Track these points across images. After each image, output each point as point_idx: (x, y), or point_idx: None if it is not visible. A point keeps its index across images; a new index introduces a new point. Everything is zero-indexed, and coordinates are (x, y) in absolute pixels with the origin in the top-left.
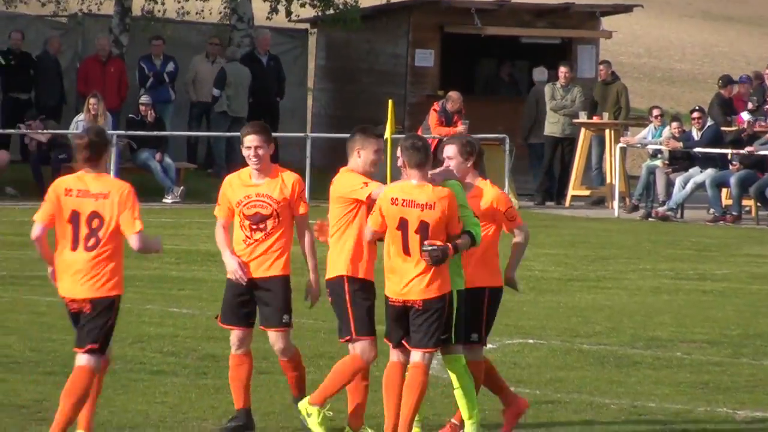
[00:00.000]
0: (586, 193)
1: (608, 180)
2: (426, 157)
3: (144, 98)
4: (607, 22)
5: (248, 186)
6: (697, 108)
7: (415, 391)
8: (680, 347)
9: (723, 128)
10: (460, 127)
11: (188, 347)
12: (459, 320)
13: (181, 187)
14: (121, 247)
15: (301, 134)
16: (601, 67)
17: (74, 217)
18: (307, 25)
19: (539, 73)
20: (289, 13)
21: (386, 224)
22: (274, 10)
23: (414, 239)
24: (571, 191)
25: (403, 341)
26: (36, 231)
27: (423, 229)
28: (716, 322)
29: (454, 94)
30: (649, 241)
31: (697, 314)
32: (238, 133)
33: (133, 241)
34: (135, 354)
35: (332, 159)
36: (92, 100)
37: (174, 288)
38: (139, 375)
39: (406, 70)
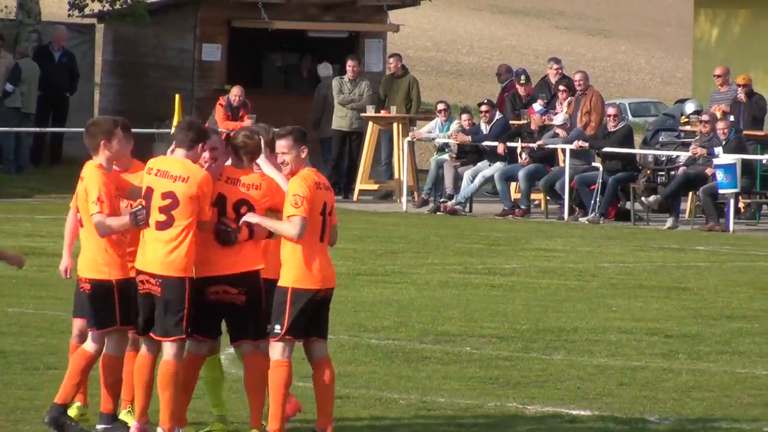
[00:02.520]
0: (374, 187)
1: (396, 174)
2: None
3: None
4: (394, 16)
5: None
6: (485, 101)
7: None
8: (469, 342)
9: (512, 122)
10: (247, 122)
11: None
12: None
13: None
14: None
15: None
16: (391, 60)
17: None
18: (94, 20)
19: (323, 69)
20: (82, 9)
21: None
22: (74, 7)
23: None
24: (359, 185)
25: None
26: None
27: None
28: (506, 316)
29: (234, 89)
30: (438, 236)
31: (487, 309)
32: (27, 129)
33: None
34: None
35: None
36: None
37: None
38: None
39: (193, 65)
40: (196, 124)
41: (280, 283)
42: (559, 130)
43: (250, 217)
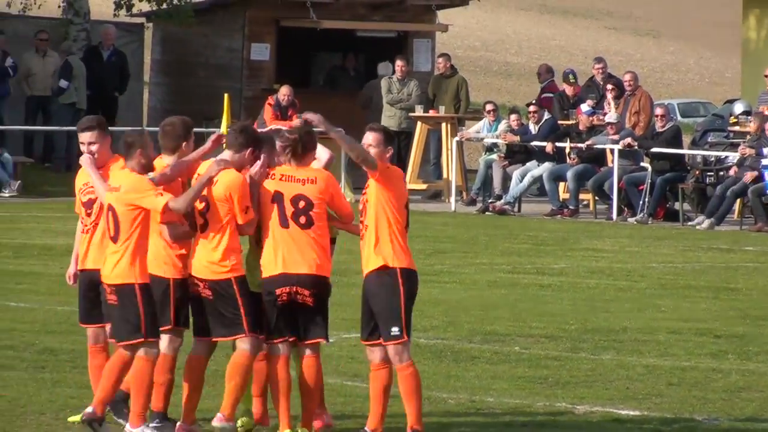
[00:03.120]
0: (423, 186)
1: (445, 174)
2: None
3: None
4: (443, 16)
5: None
6: (533, 102)
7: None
8: (518, 342)
9: (560, 122)
10: (296, 121)
11: (26, 341)
12: None
13: (18, 181)
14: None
15: (138, 128)
16: (441, 60)
17: None
18: (143, 19)
19: (383, 68)
20: (129, 8)
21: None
22: (119, 7)
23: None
24: (408, 185)
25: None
26: None
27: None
28: (554, 316)
29: (283, 88)
30: (486, 235)
31: (535, 308)
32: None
33: None
34: None
35: None
36: None
37: (11, 282)
38: None
39: (242, 64)
40: (249, 129)
41: (389, 264)
42: (610, 129)
43: (310, 115)
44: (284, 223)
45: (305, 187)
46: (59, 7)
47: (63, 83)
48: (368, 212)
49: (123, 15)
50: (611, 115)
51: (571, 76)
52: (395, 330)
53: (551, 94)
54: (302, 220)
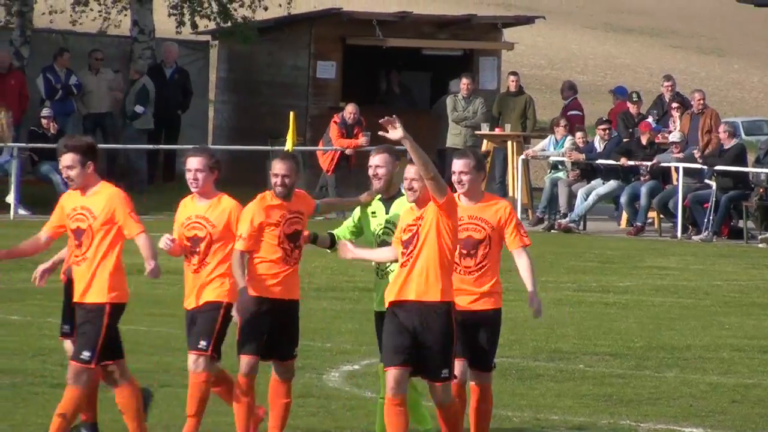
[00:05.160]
0: None
1: (510, 192)
2: None
3: (46, 111)
4: (509, 34)
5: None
6: (604, 119)
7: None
8: (583, 359)
9: (625, 140)
10: (362, 140)
11: None
12: None
13: None
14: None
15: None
16: (512, 78)
17: None
18: (208, 37)
19: (455, 85)
20: (194, 26)
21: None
22: (181, 23)
23: None
24: None
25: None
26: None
27: None
28: (619, 334)
29: (349, 106)
30: (552, 253)
31: (600, 326)
32: (157, 146)
33: None
34: (36, 367)
35: (234, 171)
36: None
37: None
38: (39, 388)
39: (307, 82)
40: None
41: (441, 298)
42: (675, 148)
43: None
44: None
45: None
46: (99, 16)
47: (139, 109)
48: (419, 239)
49: (188, 33)
50: (675, 135)
51: (634, 95)
52: (445, 372)
53: (577, 112)
54: None
